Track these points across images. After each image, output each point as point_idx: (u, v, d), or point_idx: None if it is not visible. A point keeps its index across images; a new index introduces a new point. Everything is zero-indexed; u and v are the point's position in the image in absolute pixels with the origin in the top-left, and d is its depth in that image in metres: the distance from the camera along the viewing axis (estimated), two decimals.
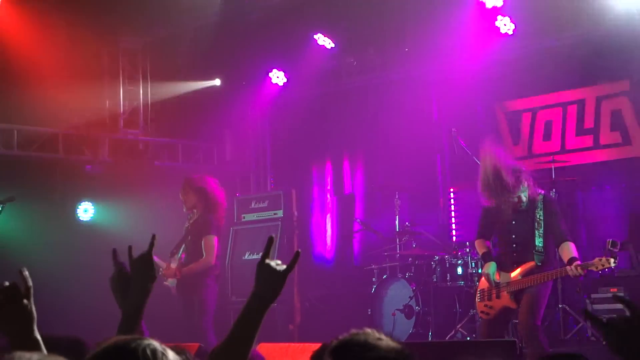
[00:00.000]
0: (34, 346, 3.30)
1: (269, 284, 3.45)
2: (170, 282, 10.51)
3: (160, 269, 10.36)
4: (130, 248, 3.93)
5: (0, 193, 10.52)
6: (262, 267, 3.43)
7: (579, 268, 8.39)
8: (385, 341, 2.92)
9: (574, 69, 11.89)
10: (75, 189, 13.67)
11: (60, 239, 11.47)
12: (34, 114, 12.96)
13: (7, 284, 3.37)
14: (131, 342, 2.56)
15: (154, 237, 3.88)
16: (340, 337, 2.81)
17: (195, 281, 10.38)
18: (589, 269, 8.49)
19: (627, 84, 11.58)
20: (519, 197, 8.74)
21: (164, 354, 2.46)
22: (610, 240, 8.70)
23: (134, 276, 3.88)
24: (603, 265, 8.42)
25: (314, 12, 12.64)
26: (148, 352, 2.45)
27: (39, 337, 3.37)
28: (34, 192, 11.36)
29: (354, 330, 2.86)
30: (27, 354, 2.55)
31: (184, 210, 10.97)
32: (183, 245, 10.78)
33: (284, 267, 3.44)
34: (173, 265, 10.57)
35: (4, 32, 12.15)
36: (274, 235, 3.87)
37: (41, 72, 12.16)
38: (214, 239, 10.63)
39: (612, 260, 8.40)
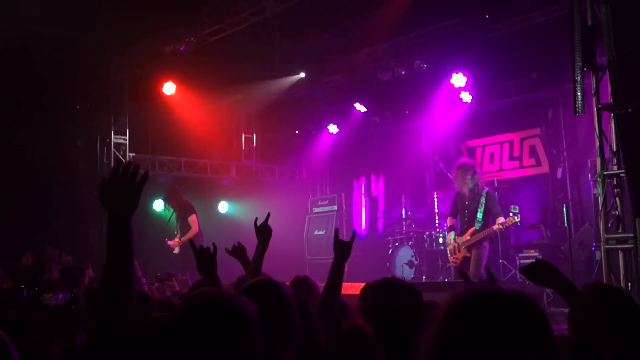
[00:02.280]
0: (216, 283, 3.23)
1: (343, 251, 3.53)
2: (176, 249, 10.26)
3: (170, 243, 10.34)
4: (255, 220, 3.89)
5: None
6: (337, 242, 3.53)
7: (499, 226, 8.51)
8: (403, 281, 3.11)
9: (507, 121, 11.98)
10: (217, 194, 13.90)
11: (210, 223, 11.49)
12: (194, 151, 13.24)
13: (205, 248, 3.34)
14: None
15: (268, 214, 3.88)
16: (376, 280, 2.88)
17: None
18: (505, 225, 8.51)
19: (538, 130, 11.61)
20: (467, 184, 8.92)
21: None
22: (513, 206, 8.83)
23: (259, 238, 3.79)
24: (512, 222, 8.48)
25: (355, 91, 12.78)
26: None
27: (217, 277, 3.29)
28: (196, 197, 11.23)
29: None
30: (213, 288, 2.24)
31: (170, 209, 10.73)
32: (175, 226, 10.51)
33: (348, 241, 3.53)
34: (176, 239, 10.33)
35: (179, 104, 12.45)
36: (338, 228, 4.03)
37: (198, 127, 12.41)
38: (194, 217, 10.30)
39: (516, 218, 8.50)
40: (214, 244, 3.38)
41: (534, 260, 2.62)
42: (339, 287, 3.47)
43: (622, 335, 2.16)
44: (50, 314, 2.77)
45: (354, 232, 3.68)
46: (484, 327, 1.27)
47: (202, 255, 3.29)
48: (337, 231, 3.61)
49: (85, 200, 12.28)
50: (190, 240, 3.51)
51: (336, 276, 3.47)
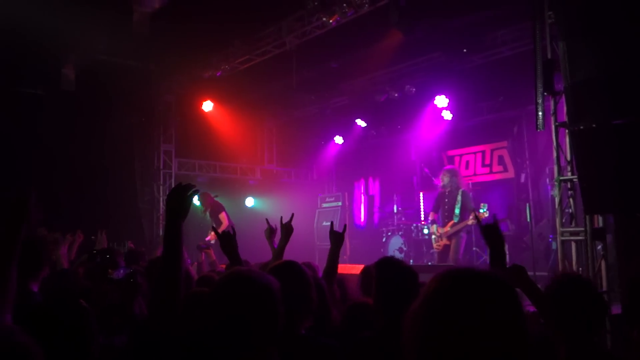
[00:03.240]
0: (238, 259, 3.24)
1: (337, 240, 3.61)
2: (212, 241, 9.96)
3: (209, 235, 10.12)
4: (281, 218, 3.87)
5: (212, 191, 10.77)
6: (332, 233, 3.66)
7: (471, 220, 8.49)
8: (401, 260, 3.09)
9: (480, 135, 11.97)
10: (245, 192, 13.93)
11: (239, 215, 11.52)
12: (227, 156, 13.30)
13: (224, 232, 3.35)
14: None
15: (292, 215, 3.86)
16: (380, 260, 2.86)
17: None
18: (476, 219, 8.53)
19: (506, 143, 11.60)
20: (443, 180, 8.92)
21: None
22: (482, 204, 8.84)
23: (283, 232, 3.80)
24: (482, 216, 8.48)
25: (356, 109, 12.80)
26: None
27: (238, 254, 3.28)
28: (228, 193, 11.23)
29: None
30: (245, 267, 2.39)
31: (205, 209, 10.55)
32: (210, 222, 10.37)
33: (341, 232, 3.66)
34: (212, 233, 10.15)
35: (215, 118, 12.50)
36: (333, 221, 4.03)
37: (230, 137, 12.47)
38: (224, 213, 10.28)
39: (485, 214, 8.52)
40: (232, 227, 3.38)
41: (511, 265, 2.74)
42: (336, 268, 3.61)
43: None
44: (114, 285, 2.79)
45: (345, 225, 3.79)
46: (463, 300, 1.25)
47: (225, 237, 3.31)
48: (332, 223, 3.77)
49: (139, 195, 12.36)
50: (214, 227, 3.52)
51: (333, 259, 3.59)
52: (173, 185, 11.27)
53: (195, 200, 11.27)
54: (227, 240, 3.29)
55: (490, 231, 2.61)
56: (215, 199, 10.50)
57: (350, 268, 7.14)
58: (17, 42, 9.02)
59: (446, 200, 9.02)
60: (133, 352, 2.06)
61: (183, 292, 2.09)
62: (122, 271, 2.82)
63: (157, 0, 8.57)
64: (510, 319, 1.24)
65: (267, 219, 4.00)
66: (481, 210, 8.68)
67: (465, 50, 10.16)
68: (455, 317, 1.23)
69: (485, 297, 1.25)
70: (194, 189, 2.26)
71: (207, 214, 10.56)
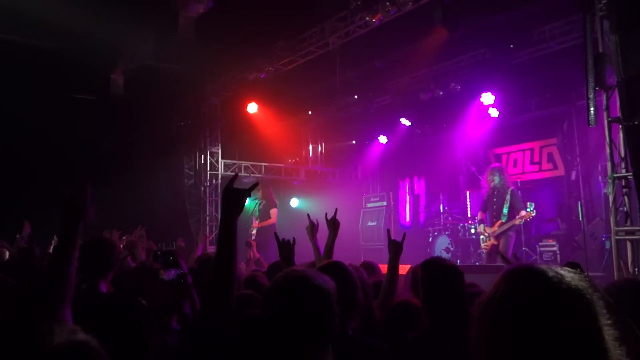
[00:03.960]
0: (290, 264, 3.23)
1: (396, 249, 3.55)
2: (253, 230, 10.35)
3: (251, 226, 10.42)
4: (326, 215, 3.85)
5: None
6: (390, 242, 3.58)
7: (519, 219, 8.34)
8: (448, 261, 3.06)
9: (528, 132, 11.72)
10: (290, 192, 14.02)
11: (283, 215, 11.53)
12: (272, 157, 13.41)
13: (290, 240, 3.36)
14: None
15: (336, 209, 3.88)
16: (426, 260, 2.85)
17: (265, 231, 10.09)
18: (524, 218, 8.39)
19: (555, 140, 11.34)
20: (493, 180, 8.79)
21: None
22: (529, 203, 8.67)
23: (330, 228, 3.76)
24: (529, 216, 8.37)
25: (400, 108, 12.70)
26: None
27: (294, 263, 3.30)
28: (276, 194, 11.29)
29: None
30: (300, 267, 2.36)
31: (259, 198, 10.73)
32: (257, 214, 10.64)
33: (400, 241, 3.59)
34: (256, 223, 10.51)
35: (260, 120, 12.62)
36: (389, 229, 3.97)
37: (275, 138, 12.57)
38: (275, 210, 10.49)
39: (532, 213, 8.39)
40: (293, 238, 3.38)
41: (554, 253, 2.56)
42: (397, 276, 3.51)
43: None
44: (165, 286, 2.85)
45: (404, 234, 3.66)
46: (538, 301, 1.22)
47: (284, 246, 3.31)
48: (388, 232, 3.63)
49: (186, 195, 12.63)
50: (275, 234, 3.50)
51: (393, 268, 3.50)
52: (219, 187, 11.47)
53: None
54: (287, 249, 3.30)
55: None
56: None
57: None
58: (69, 50, 9.36)
59: (494, 199, 8.88)
60: (185, 351, 2.10)
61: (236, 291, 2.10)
62: (172, 272, 2.87)
63: (202, 5, 8.70)
64: (582, 318, 1.20)
65: (308, 215, 3.91)
66: (528, 209, 8.51)
67: (511, 46, 9.98)
68: (525, 317, 1.20)
69: (557, 298, 1.21)
70: (251, 185, 2.29)
71: (258, 205, 10.71)
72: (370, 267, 4.27)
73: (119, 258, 3.65)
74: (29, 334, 1.10)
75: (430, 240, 11.59)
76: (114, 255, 3.40)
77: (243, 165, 13.28)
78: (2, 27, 8.85)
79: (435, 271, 2.73)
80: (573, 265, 2.51)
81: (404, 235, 3.61)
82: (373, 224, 13.11)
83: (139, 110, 11.04)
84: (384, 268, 3.84)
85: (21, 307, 2.81)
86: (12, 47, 9.26)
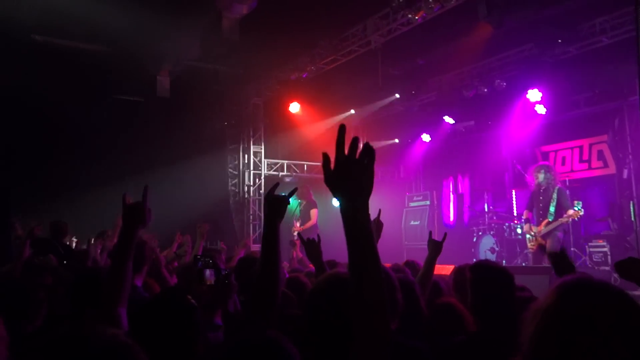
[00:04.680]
0: (321, 266, 3.29)
1: (435, 249, 3.67)
2: (295, 233, 10.07)
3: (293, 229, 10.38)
4: None
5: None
6: (431, 241, 3.69)
7: (566, 218, 8.16)
8: (498, 264, 3.02)
9: (577, 129, 11.42)
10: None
11: (325, 215, 11.35)
12: (314, 156, 13.43)
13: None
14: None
15: (380, 210, 3.66)
16: (475, 262, 2.82)
17: (307, 233, 9.89)
18: (572, 217, 8.23)
19: (605, 137, 10.99)
20: (539, 178, 8.61)
21: None
22: (576, 201, 8.47)
23: (374, 229, 3.78)
24: (576, 215, 8.21)
25: (444, 106, 12.56)
26: None
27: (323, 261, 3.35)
28: (315, 193, 11.31)
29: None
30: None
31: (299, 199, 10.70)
32: (298, 216, 10.58)
33: (440, 241, 3.70)
34: (297, 225, 10.47)
35: (302, 119, 12.69)
36: (431, 230, 3.99)
37: (317, 137, 12.59)
38: (315, 211, 10.48)
39: (580, 212, 8.22)
40: (318, 235, 3.46)
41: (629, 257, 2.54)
42: (432, 274, 3.62)
43: None
44: (208, 286, 2.90)
45: (445, 234, 3.69)
46: (593, 317, 1.20)
47: (310, 245, 3.38)
48: (430, 232, 3.66)
49: (230, 194, 12.81)
50: (299, 234, 3.57)
51: (429, 266, 3.62)
52: (262, 186, 11.59)
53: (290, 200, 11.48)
54: (313, 247, 3.37)
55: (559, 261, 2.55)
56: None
57: (440, 269, 7.02)
58: (116, 53, 9.63)
59: (541, 198, 8.69)
60: (229, 350, 2.13)
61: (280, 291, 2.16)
62: (207, 272, 2.92)
63: (245, 6, 8.81)
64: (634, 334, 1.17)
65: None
66: (576, 208, 8.30)
67: (559, 41, 9.73)
68: (578, 333, 1.18)
69: (611, 313, 1.19)
70: (291, 191, 2.40)
71: (299, 207, 10.78)
72: (412, 266, 4.26)
73: (151, 253, 3.78)
74: (73, 335, 1.13)
75: (474, 240, 11.42)
76: (145, 250, 3.55)
77: (285, 164, 13.38)
78: (51, 31, 9.15)
79: (485, 274, 2.69)
80: (634, 261, 2.50)
81: (445, 235, 3.64)
82: (416, 223, 13.01)
83: (183, 110, 11.27)
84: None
85: (76, 304, 2.90)
86: (61, 50, 9.57)
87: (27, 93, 9.11)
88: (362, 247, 1.47)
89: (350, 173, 1.41)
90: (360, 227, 1.49)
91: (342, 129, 1.42)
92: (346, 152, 1.43)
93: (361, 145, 1.43)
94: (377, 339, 1.41)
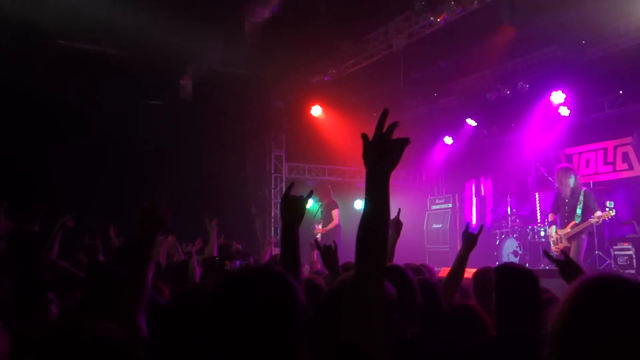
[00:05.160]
0: (338, 274, 3.17)
1: (470, 242, 3.55)
2: (318, 235, 10.12)
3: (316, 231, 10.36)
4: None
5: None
6: (466, 234, 3.56)
7: (595, 219, 8.04)
8: (523, 267, 2.99)
9: (601, 131, 11.27)
10: (353, 195, 13.83)
11: (347, 218, 11.20)
12: (335, 159, 13.41)
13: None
14: None
15: (399, 210, 3.72)
16: (499, 265, 2.77)
17: (330, 235, 9.79)
18: (602, 218, 8.10)
19: (630, 139, 10.83)
20: (568, 182, 8.50)
21: None
22: (609, 202, 8.36)
23: (393, 228, 3.69)
24: (608, 216, 8.06)
25: (466, 108, 12.50)
26: None
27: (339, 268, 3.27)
28: (336, 196, 11.26)
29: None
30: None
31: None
32: (320, 218, 10.54)
33: (476, 234, 3.54)
34: (320, 227, 10.43)
35: (324, 122, 12.71)
36: (469, 222, 3.93)
37: (339, 140, 12.56)
38: (337, 211, 10.36)
39: (611, 212, 8.11)
40: (334, 241, 3.37)
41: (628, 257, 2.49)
42: (463, 271, 3.47)
43: None
44: None
45: (482, 226, 3.59)
46: (618, 311, 1.21)
47: (326, 252, 3.32)
48: (467, 224, 3.57)
49: (252, 197, 12.86)
50: (316, 240, 3.51)
51: (461, 262, 3.47)
52: (284, 189, 11.59)
53: (309, 202, 11.50)
54: (330, 255, 3.30)
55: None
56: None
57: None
58: (140, 57, 9.74)
59: (566, 201, 8.60)
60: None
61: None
62: (237, 263, 2.95)
63: (268, 10, 8.88)
64: None
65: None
66: (607, 209, 8.19)
67: (583, 42, 9.61)
68: (599, 331, 1.19)
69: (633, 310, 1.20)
70: (308, 193, 2.35)
71: (320, 209, 10.77)
72: (426, 269, 4.18)
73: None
74: (69, 330, 1.18)
75: (497, 243, 11.33)
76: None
77: (307, 167, 13.41)
78: (77, 36, 9.30)
79: (510, 277, 2.66)
80: None
81: (481, 227, 3.55)
82: (438, 226, 12.95)
83: (206, 114, 11.35)
84: (447, 272, 3.78)
85: (86, 301, 2.90)
86: (85, 54, 9.71)
87: (53, 97, 9.26)
88: (291, 251, 1.97)
89: (383, 148, 1.69)
90: (292, 240, 2.08)
91: (384, 112, 1.72)
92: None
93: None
94: (375, 283, 1.57)
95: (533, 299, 2.58)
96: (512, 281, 2.63)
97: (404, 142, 1.71)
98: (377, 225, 1.65)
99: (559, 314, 1.26)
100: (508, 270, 2.73)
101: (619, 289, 1.23)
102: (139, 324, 2.00)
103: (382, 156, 1.69)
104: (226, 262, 3.00)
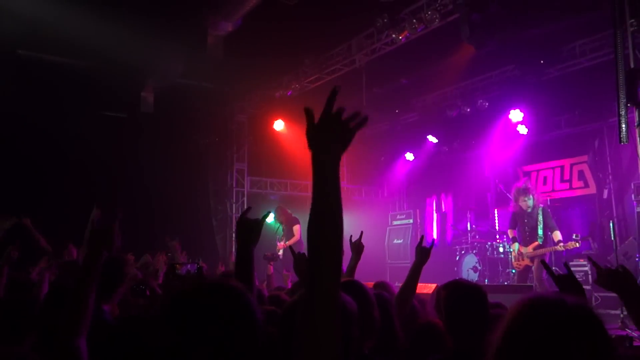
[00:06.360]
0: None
1: (423, 255, 3.45)
2: (280, 251, 10.35)
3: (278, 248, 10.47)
4: (350, 237, 3.71)
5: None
6: (419, 247, 3.48)
7: (561, 246, 8.18)
8: (471, 282, 2.98)
9: (558, 150, 11.53)
10: None
11: None
12: (297, 174, 13.35)
13: None
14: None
15: (362, 233, 3.78)
16: (449, 282, 2.77)
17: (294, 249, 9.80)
18: (567, 247, 8.20)
19: (586, 157, 11.10)
20: (526, 203, 8.61)
21: None
22: (575, 234, 8.48)
23: (354, 251, 3.71)
24: (573, 245, 8.16)
25: (427, 125, 12.63)
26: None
27: None
28: (299, 210, 11.12)
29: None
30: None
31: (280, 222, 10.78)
32: (281, 235, 10.63)
33: (428, 247, 3.47)
34: (282, 243, 10.50)
35: (286, 137, 12.60)
36: (424, 235, 3.85)
37: (301, 155, 12.51)
38: (298, 227, 10.42)
39: (577, 243, 8.19)
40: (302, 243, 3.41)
41: (615, 267, 2.47)
42: (415, 284, 3.44)
43: None
44: (182, 280, 2.89)
45: (433, 240, 3.59)
46: (549, 334, 1.17)
47: (299, 260, 3.35)
48: (422, 237, 3.55)
49: (213, 211, 12.69)
50: (290, 247, 3.56)
51: (414, 275, 3.43)
52: (245, 203, 11.46)
53: (269, 218, 11.40)
54: (302, 262, 3.31)
55: (566, 283, 2.44)
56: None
57: (422, 287, 6.96)
58: (101, 69, 9.57)
59: (525, 220, 8.71)
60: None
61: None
62: (188, 266, 2.95)
63: (231, 24, 8.83)
64: (596, 353, 1.16)
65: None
66: (573, 240, 8.32)
67: (541, 62, 9.85)
68: (537, 351, 1.17)
69: (574, 333, 1.17)
70: (265, 214, 2.42)
71: (280, 227, 10.74)
72: (383, 287, 4.14)
73: (130, 271, 3.62)
74: None
75: (457, 259, 11.40)
76: (124, 269, 3.34)
77: (269, 182, 13.32)
78: (37, 46, 9.10)
79: (457, 292, 2.67)
80: (615, 272, 2.44)
81: (433, 242, 3.55)
82: (399, 241, 12.99)
83: (167, 127, 11.19)
84: None
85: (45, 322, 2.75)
86: (46, 65, 9.50)
87: (11, 108, 9.02)
88: (246, 272, 1.99)
89: (331, 129, 1.47)
90: (247, 261, 2.09)
91: (334, 91, 1.51)
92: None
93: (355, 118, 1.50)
94: (327, 298, 1.34)
95: (481, 313, 2.57)
96: (459, 296, 2.63)
97: (362, 120, 1.49)
98: (330, 222, 1.41)
99: (496, 335, 1.24)
100: (455, 285, 2.73)
101: (551, 313, 1.20)
102: (77, 349, 1.88)
103: (331, 137, 1.46)
104: (177, 265, 2.98)
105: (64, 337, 1.90)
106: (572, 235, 8.48)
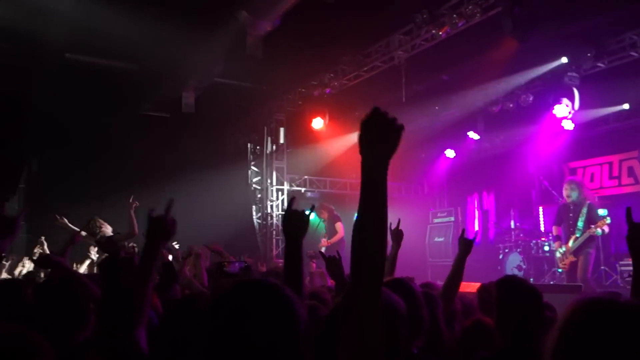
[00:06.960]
0: (344, 283, 3.15)
1: (466, 247, 3.45)
2: (323, 248, 10.25)
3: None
4: (389, 225, 3.79)
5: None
6: (462, 239, 3.48)
7: (593, 229, 8.06)
8: (526, 280, 2.92)
9: (606, 145, 11.23)
10: (355, 207, 13.68)
11: (348, 231, 11.41)
12: (337, 171, 13.41)
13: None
14: None
15: (399, 220, 3.75)
16: (504, 278, 2.71)
17: (335, 247, 9.75)
18: (598, 227, 8.10)
19: (636, 153, 10.80)
20: (567, 192, 8.45)
21: None
22: (602, 209, 8.30)
23: (394, 238, 3.74)
24: (603, 224, 8.07)
25: (468, 122, 12.48)
26: None
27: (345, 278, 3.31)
28: (338, 208, 11.31)
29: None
30: None
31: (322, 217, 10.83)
32: (324, 232, 10.70)
33: (471, 239, 3.45)
34: (325, 240, 10.59)
35: (325, 134, 12.63)
36: (465, 228, 3.80)
37: (340, 153, 12.55)
38: (340, 224, 10.51)
39: (606, 220, 8.12)
40: (337, 252, 3.37)
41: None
42: (460, 277, 3.40)
43: None
44: (230, 278, 2.91)
45: (476, 232, 3.57)
46: (601, 335, 1.16)
47: (331, 262, 3.33)
48: (463, 230, 3.51)
49: (254, 210, 12.83)
50: (321, 252, 3.53)
51: (458, 268, 3.40)
52: (285, 201, 11.59)
53: (311, 216, 11.44)
54: (334, 265, 3.30)
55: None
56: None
57: (465, 286, 6.90)
58: (144, 70, 9.78)
59: (570, 214, 8.53)
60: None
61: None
62: (236, 265, 2.97)
63: (269, 23, 8.88)
64: None
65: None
66: (601, 216, 8.14)
67: (588, 55, 9.59)
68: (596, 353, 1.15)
69: (627, 334, 1.15)
70: (310, 207, 2.36)
71: (322, 224, 10.80)
72: (429, 288, 4.12)
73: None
74: None
75: (500, 257, 11.22)
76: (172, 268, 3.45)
77: (308, 180, 13.36)
78: (81, 49, 9.35)
79: (511, 290, 2.60)
80: None
81: (476, 234, 3.52)
82: (440, 239, 12.86)
83: (208, 126, 11.36)
84: None
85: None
86: (90, 67, 9.77)
87: (60, 110, 9.31)
88: (295, 264, 2.03)
89: (376, 129, 1.51)
90: (296, 253, 2.09)
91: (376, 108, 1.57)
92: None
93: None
94: (370, 295, 1.39)
95: (535, 313, 2.52)
96: (514, 295, 2.56)
97: (401, 127, 1.55)
98: (375, 226, 1.49)
99: (552, 337, 1.22)
100: (509, 283, 2.66)
101: (607, 314, 1.18)
102: (138, 339, 1.90)
103: (382, 138, 1.51)
104: (225, 263, 3.02)
105: (125, 328, 1.92)
106: (604, 220, 8.24)
